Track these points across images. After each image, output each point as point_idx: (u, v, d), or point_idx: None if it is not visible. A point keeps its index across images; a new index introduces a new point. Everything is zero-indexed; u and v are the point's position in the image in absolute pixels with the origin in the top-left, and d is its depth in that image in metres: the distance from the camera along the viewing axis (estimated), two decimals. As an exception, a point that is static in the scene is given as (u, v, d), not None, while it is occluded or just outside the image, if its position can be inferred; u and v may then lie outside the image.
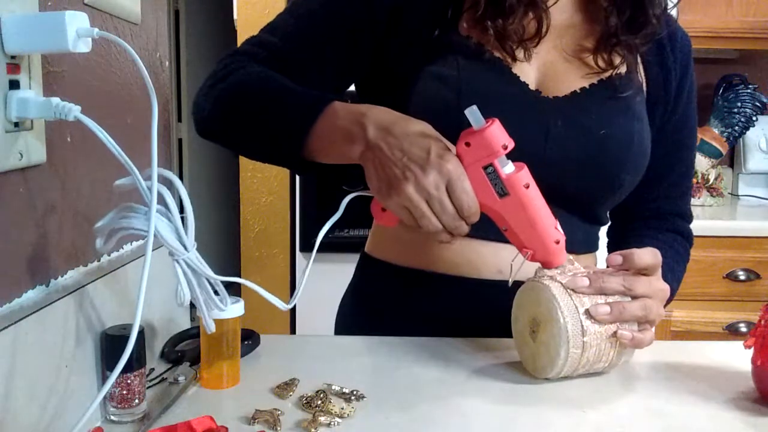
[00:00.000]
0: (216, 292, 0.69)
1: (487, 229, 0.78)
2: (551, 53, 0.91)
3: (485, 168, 0.72)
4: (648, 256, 0.76)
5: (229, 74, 0.87)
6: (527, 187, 0.72)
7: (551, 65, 0.90)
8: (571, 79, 0.90)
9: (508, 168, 0.72)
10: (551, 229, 0.75)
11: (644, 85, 0.94)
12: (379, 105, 0.92)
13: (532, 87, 0.89)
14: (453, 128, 0.74)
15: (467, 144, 0.71)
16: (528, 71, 0.89)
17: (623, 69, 0.91)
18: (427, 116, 0.87)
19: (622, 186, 0.91)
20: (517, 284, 0.80)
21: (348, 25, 0.90)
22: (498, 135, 0.71)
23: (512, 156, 0.73)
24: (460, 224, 0.73)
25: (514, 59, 0.88)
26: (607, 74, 0.90)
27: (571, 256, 0.79)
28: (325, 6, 0.90)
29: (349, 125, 0.76)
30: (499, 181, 0.72)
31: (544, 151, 0.86)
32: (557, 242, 0.75)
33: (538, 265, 0.78)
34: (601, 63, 0.90)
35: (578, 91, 0.89)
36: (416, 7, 0.90)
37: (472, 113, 0.70)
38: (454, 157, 0.71)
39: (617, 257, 0.76)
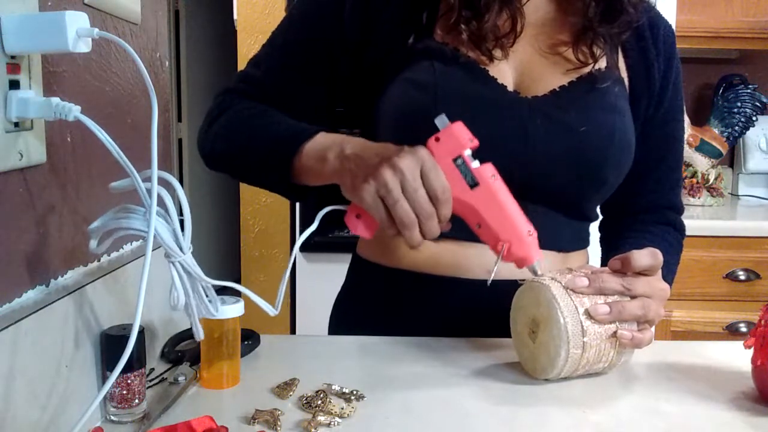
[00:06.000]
0: (208, 297, 0.68)
1: (470, 230, 0.77)
2: (528, 51, 0.91)
3: (455, 160, 0.75)
4: (646, 258, 0.76)
5: (222, 113, 0.93)
6: (494, 177, 0.76)
7: (529, 64, 0.90)
8: (549, 77, 0.89)
9: (475, 163, 0.76)
10: (523, 220, 0.76)
11: (626, 79, 0.94)
12: (353, 109, 0.95)
13: (510, 88, 0.88)
14: (428, 133, 0.76)
15: (437, 139, 0.76)
16: (506, 72, 0.89)
17: (603, 64, 0.91)
18: (402, 121, 0.88)
19: (606, 182, 0.91)
20: (511, 283, 0.80)
21: (323, 49, 0.92)
22: (464, 130, 0.76)
23: (494, 157, 0.77)
24: (431, 213, 0.72)
25: (491, 60, 0.88)
26: (587, 70, 0.89)
27: (570, 265, 0.79)
28: (300, 34, 0.94)
29: (325, 147, 0.81)
30: (468, 172, 0.75)
31: (524, 151, 0.86)
32: (530, 233, 0.76)
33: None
34: (580, 56, 0.89)
35: (557, 89, 0.89)
36: (388, 17, 0.90)
37: (441, 120, 0.76)
38: (425, 149, 0.74)
39: (616, 262, 0.76)
